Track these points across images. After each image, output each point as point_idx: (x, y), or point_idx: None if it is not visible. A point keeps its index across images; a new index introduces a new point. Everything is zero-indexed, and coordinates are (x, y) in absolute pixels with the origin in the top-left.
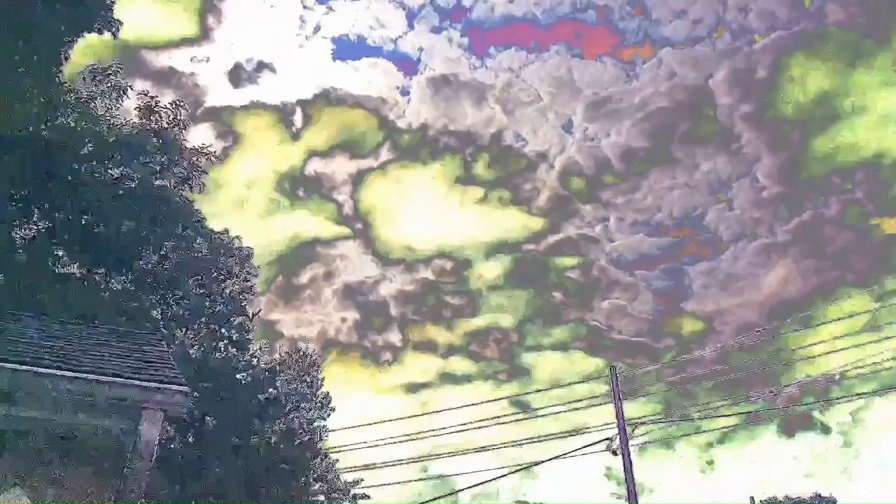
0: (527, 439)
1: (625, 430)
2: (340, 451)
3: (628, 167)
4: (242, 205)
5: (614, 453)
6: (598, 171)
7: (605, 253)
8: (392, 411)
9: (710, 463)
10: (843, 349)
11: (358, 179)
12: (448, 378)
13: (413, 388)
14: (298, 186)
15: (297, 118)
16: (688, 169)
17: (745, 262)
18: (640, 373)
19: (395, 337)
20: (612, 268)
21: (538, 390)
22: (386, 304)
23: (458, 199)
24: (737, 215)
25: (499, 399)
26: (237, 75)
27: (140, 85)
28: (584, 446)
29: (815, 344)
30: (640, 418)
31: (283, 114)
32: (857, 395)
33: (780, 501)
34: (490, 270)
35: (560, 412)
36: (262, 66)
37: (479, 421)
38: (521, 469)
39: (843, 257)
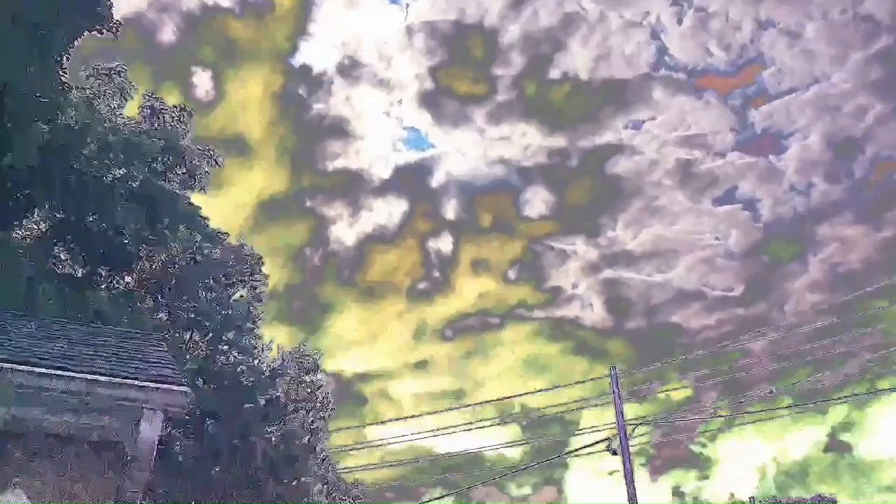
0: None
1: (625, 430)
2: (343, 451)
3: None
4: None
5: (614, 453)
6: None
7: (738, 124)
8: (424, 356)
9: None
10: None
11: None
12: (506, 314)
13: (457, 329)
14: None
15: None
16: None
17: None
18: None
19: (446, 245)
20: (740, 153)
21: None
22: (443, 194)
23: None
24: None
25: (533, 392)
26: None
27: None
28: (585, 446)
29: None
30: (640, 416)
31: None
32: (854, 395)
33: (780, 501)
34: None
35: (560, 412)
36: None
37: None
38: (526, 469)
39: None
